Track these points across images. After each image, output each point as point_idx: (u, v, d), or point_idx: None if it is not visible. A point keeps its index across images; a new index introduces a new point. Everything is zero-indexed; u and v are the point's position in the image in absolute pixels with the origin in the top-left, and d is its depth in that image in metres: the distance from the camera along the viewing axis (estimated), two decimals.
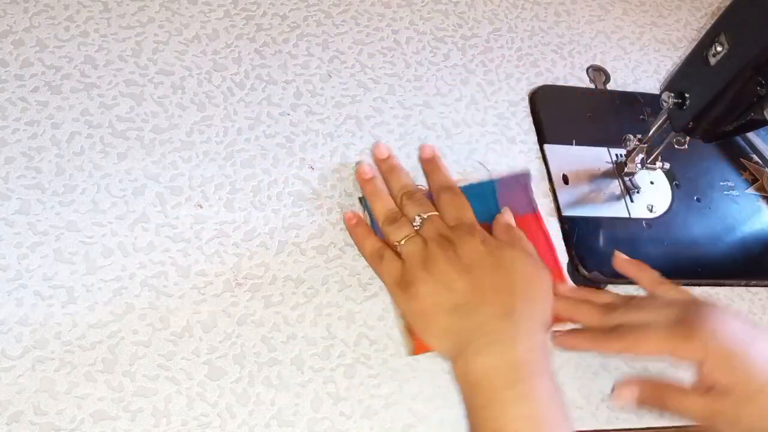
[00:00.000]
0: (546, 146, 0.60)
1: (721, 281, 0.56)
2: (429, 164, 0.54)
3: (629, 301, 0.49)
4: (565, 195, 0.57)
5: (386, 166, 0.53)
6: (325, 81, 0.59)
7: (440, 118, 0.60)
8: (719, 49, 0.46)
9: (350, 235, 0.51)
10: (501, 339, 0.43)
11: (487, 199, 0.53)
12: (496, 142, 0.60)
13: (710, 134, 0.51)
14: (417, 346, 0.47)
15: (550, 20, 0.69)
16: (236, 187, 0.52)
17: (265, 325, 0.47)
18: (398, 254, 0.48)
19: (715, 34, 0.46)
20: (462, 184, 0.53)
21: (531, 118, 0.62)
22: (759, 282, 0.57)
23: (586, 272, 0.53)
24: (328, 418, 0.45)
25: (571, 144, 0.60)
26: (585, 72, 0.67)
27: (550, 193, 0.58)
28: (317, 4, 0.63)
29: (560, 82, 0.65)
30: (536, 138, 0.61)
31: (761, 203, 0.61)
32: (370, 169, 0.53)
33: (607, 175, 0.59)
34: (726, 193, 0.61)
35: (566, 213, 0.56)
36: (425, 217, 0.49)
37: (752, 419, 0.43)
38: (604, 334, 0.47)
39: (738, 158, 0.64)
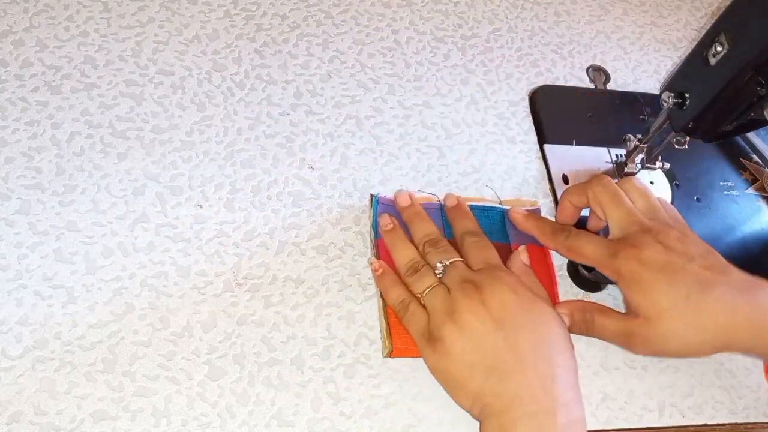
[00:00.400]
0: (546, 146, 0.60)
1: None
2: (454, 212, 0.52)
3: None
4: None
5: (408, 214, 0.52)
6: (325, 81, 0.59)
7: (440, 118, 0.60)
8: (719, 49, 0.46)
9: (376, 284, 0.49)
10: (540, 410, 0.41)
11: (495, 223, 0.53)
12: (496, 142, 0.60)
13: (710, 134, 0.51)
14: (396, 350, 0.46)
15: (550, 20, 0.69)
16: (236, 187, 0.52)
17: (265, 325, 0.47)
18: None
19: (715, 34, 0.46)
20: (473, 203, 0.53)
21: (531, 118, 0.62)
22: None
23: (586, 272, 0.53)
24: (328, 418, 0.45)
25: (571, 144, 0.60)
26: (585, 72, 0.67)
27: (550, 193, 0.58)
28: (317, 4, 0.63)
29: (560, 82, 0.65)
30: (536, 138, 0.61)
31: (761, 203, 0.61)
32: (390, 219, 0.51)
33: (607, 175, 0.59)
34: (726, 193, 0.61)
35: None
36: (448, 263, 0.47)
37: (658, 340, 0.44)
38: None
39: (738, 158, 0.64)
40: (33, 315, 0.45)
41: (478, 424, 0.43)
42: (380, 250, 0.50)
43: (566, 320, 0.47)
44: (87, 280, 0.46)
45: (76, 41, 0.55)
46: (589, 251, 0.47)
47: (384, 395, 0.47)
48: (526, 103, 0.63)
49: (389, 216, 0.51)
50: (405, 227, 0.51)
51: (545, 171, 0.59)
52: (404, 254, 0.49)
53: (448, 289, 0.46)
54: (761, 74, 0.44)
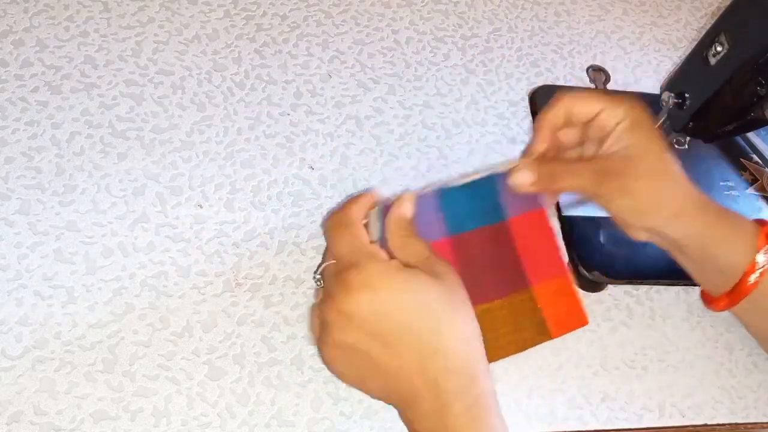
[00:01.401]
0: None
1: None
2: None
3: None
4: (565, 195, 0.57)
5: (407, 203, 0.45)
6: (325, 81, 0.59)
7: (440, 118, 0.60)
8: (719, 49, 0.46)
9: None
10: (434, 409, 0.38)
11: (488, 197, 0.48)
12: (496, 142, 0.60)
13: (710, 134, 0.51)
14: None
15: (550, 20, 0.69)
16: (236, 187, 0.52)
17: (265, 325, 0.47)
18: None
19: (715, 34, 0.46)
20: (460, 182, 0.51)
21: (531, 118, 0.62)
22: None
23: (586, 272, 0.53)
24: (328, 418, 0.45)
25: None
26: (585, 72, 0.67)
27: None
28: (317, 4, 0.63)
29: (560, 82, 0.65)
30: None
31: (761, 203, 0.61)
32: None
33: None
34: (726, 193, 0.61)
35: (566, 213, 0.56)
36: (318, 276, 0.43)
37: (634, 178, 0.44)
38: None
39: (738, 158, 0.63)
40: (33, 315, 0.45)
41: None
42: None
43: (529, 175, 0.44)
44: (87, 280, 0.46)
45: (76, 41, 0.55)
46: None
47: None
48: (526, 103, 0.63)
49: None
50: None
51: None
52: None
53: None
54: (761, 74, 0.45)
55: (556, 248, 0.50)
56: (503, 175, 0.48)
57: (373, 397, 0.41)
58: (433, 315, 0.39)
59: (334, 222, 0.43)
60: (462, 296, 0.41)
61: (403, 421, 0.40)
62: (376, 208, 0.46)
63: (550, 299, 0.47)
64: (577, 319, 0.48)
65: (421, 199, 0.48)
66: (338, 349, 0.39)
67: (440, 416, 0.38)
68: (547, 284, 0.47)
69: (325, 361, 0.41)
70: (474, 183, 0.48)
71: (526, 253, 0.49)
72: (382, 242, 0.44)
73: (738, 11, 0.45)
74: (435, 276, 0.40)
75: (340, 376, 0.41)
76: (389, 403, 0.41)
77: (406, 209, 0.44)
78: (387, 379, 0.39)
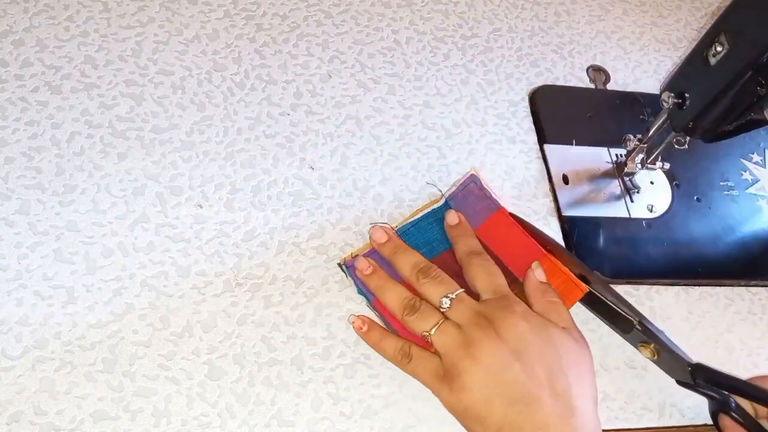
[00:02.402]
0: (546, 146, 0.60)
1: (721, 281, 0.57)
2: (456, 230, 0.50)
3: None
4: (565, 195, 0.57)
5: (388, 250, 0.49)
6: (325, 81, 0.59)
7: (440, 118, 0.60)
8: (719, 49, 0.46)
9: (365, 340, 0.47)
10: None
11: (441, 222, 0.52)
12: (496, 142, 0.60)
13: (710, 134, 0.51)
14: None
15: (550, 20, 0.69)
16: (236, 187, 0.52)
17: (265, 325, 0.47)
18: (426, 344, 0.45)
19: (715, 34, 0.46)
20: (417, 216, 0.52)
21: (531, 118, 0.62)
22: (759, 282, 0.57)
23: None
24: (328, 418, 0.45)
25: (571, 144, 0.60)
26: (585, 72, 0.67)
27: (550, 193, 0.58)
28: (317, 4, 0.63)
29: (560, 82, 0.65)
30: (536, 138, 0.61)
31: (761, 203, 0.61)
32: (368, 264, 0.48)
33: (607, 175, 0.59)
34: (726, 193, 0.61)
35: (566, 213, 0.56)
36: (453, 297, 0.45)
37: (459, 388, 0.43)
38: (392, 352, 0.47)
39: (738, 158, 0.64)
40: (33, 315, 0.45)
41: None
42: (381, 312, 0.48)
43: (361, 329, 0.47)
44: (87, 280, 0.46)
45: (76, 41, 0.55)
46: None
47: (384, 395, 0.47)
48: (526, 103, 0.63)
49: (366, 259, 0.48)
50: (388, 265, 0.49)
51: (545, 171, 0.59)
52: (395, 294, 0.47)
53: (457, 324, 0.44)
54: (761, 74, 0.44)
55: (527, 237, 0.51)
56: (454, 197, 0.52)
57: (477, 426, 0.42)
58: (571, 372, 0.43)
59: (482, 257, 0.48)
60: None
61: None
62: (344, 267, 0.50)
63: None
64: (573, 291, 0.49)
65: (423, 220, 0.50)
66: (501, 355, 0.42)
67: None
68: None
69: (466, 373, 0.42)
70: (426, 215, 0.51)
71: (504, 253, 0.51)
72: (368, 297, 0.48)
73: (738, 11, 0.45)
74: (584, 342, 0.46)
75: (472, 395, 0.42)
76: None
77: (541, 275, 0.48)
78: (523, 404, 0.41)
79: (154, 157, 0.52)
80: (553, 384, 0.42)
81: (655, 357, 0.48)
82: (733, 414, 0.45)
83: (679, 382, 0.48)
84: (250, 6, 0.61)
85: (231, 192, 0.52)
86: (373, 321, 0.48)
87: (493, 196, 0.52)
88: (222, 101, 0.56)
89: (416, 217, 0.52)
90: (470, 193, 0.53)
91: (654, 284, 0.56)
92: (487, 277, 0.47)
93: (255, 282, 0.49)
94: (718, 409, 0.47)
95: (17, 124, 0.51)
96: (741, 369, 0.54)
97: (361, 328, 0.47)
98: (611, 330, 0.53)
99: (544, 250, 0.50)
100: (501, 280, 0.47)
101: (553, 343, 0.44)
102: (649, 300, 0.55)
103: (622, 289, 0.55)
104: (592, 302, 0.51)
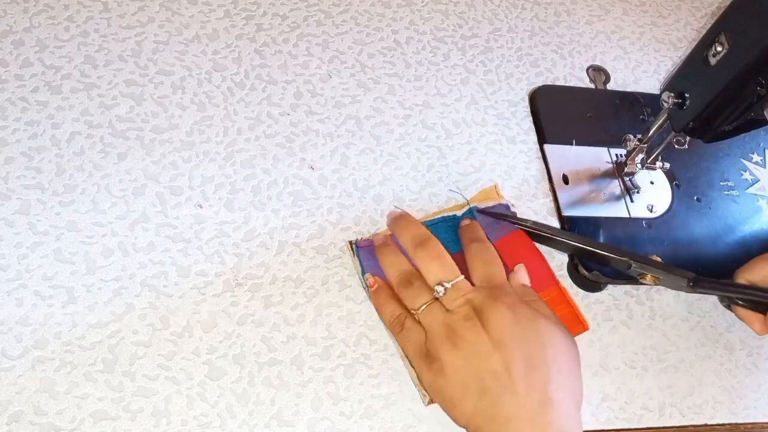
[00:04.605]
0: (546, 146, 0.60)
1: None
2: (465, 228, 0.51)
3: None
4: (565, 195, 0.57)
5: (392, 219, 0.51)
6: (325, 81, 0.59)
7: (440, 118, 0.60)
8: (719, 49, 0.46)
9: (371, 300, 0.48)
10: None
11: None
12: (496, 142, 0.60)
13: (710, 134, 0.51)
14: None
15: (550, 20, 0.69)
16: (236, 187, 0.52)
17: (265, 325, 0.47)
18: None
19: (715, 34, 0.46)
20: (437, 216, 0.52)
21: (531, 118, 0.62)
22: None
23: (586, 272, 0.53)
24: (328, 418, 0.45)
25: (571, 144, 0.60)
26: (585, 72, 0.67)
27: (550, 193, 0.58)
28: (317, 4, 0.63)
29: (560, 82, 0.65)
30: (536, 138, 0.61)
31: (761, 203, 0.61)
32: (383, 237, 0.50)
33: (607, 175, 0.59)
34: (726, 193, 0.61)
35: (566, 213, 0.56)
36: (449, 286, 0.45)
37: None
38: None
39: (738, 158, 0.64)
40: (33, 315, 0.45)
41: None
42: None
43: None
44: (87, 280, 0.46)
45: (76, 41, 0.55)
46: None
47: (384, 395, 0.47)
48: (526, 103, 0.63)
49: (383, 234, 0.50)
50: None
51: (545, 171, 0.59)
52: (396, 265, 0.48)
53: (445, 308, 0.45)
54: (761, 74, 0.44)
55: (544, 261, 0.51)
56: (478, 209, 0.53)
57: (452, 417, 0.43)
58: (553, 367, 0.43)
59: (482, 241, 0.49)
60: None
61: None
62: (353, 245, 0.50)
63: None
64: (576, 326, 0.48)
65: (439, 224, 0.51)
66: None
67: None
68: (542, 296, 0.48)
69: (445, 357, 0.43)
70: (445, 219, 0.52)
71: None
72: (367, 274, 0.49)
73: (738, 11, 0.45)
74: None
75: (448, 379, 0.43)
76: (468, 428, 0.43)
77: (523, 276, 0.49)
78: (495, 394, 0.41)
79: (154, 157, 0.52)
80: (530, 376, 0.42)
81: (657, 282, 0.49)
82: (740, 303, 0.51)
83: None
84: (250, 6, 0.61)
85: (231, 192, 0.52)
86: (385, 283, 0.48)
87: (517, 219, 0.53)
88: (222, 101, 0.56)
89: (436, 216, 0.52)
90: (497, 210, 0.53)
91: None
92: (482, 265, 0.47)
93: (255, 282, 0.49)
94: (729, 302, 0.54)
95: (17, 124, 0.51)
96: (742, 369, 0.54)
97: (373, 286, 0.48)
98: (611, 330, 0.53)
99: (556, 277, 0.51)
100: (496, 269, 0.47)
101: (539, 335, 0.44)
102: (649, 300, 0.55)
103: (622, 289, 0.55)
104: (588, 256, 0.52)
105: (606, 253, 0.50)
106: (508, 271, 0.49)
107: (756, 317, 0.51)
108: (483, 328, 0.43)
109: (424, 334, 0.45)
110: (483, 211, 0.53)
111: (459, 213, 0.53)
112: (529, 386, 0.41)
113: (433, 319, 0.45)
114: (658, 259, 0.49)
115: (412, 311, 0.46)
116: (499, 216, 0.52)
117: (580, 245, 0.51)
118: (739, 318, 0.53)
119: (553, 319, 0.46)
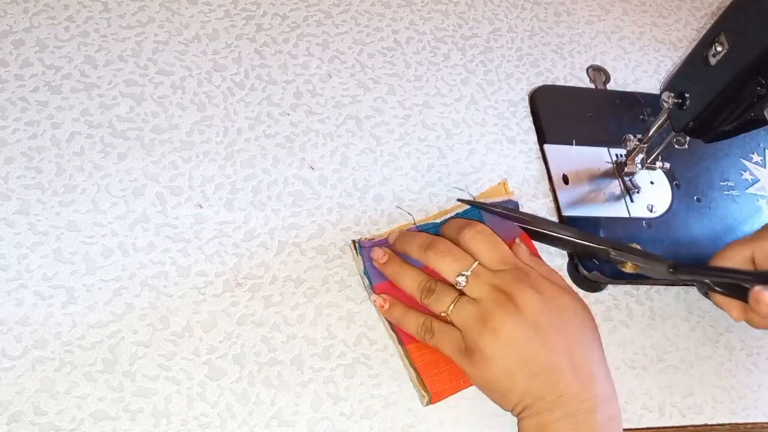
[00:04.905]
0: (546, 146, 0.60)
1: None
2: (444, 227, 0.51)
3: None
4: (565, 195, 0.57)
5: (394, 237, 0.50)
6: (325, 81, 0.59)
7: (440, 118, 0.60)
8: (719, 49, 0.46)
9: (387, 318, 0.48)
10: (581, 409, 0.42)
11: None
12: (496, 142, 0.60)
13: (710, 134, 0.51)
14: (434, 395, 0.46)
15: (550, 20, 0.69)
16: (236, 187, 0.52)
17: (265, 325, 0.47)
18: (446, 320, 0.46)
19: (715, 34, 0.46)
20: (442, 218, 0.52)
21: (531, 118, 0.62)
22: None
23: (586, 272, 0.53)
24: (328, 418, 0.45)
25: (571, 144, 0.60)
26: (585, 72, 0.67)
27: (550, 193, 0.58)
28: (317, 4, 0.63)
29: (560, 82, 0.65)
30: (536, 138, 0.61)
31: (761, 203, 0.61)
32: (383, 252, 0.49)
33: (607, 175, 0.59)
34: (726, 193, 0.61)
35: (566, 213, 0.56)
36: (468, 274, 0.46)
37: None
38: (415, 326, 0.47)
39: (738, 158, 0.64)
40: (33, 315, 0.45)
41: (516, 422, 0.45)
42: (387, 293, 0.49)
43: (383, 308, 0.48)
44: (87, 280, 0.46)
45: (76, 41, 0.55)
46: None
47: (384, 395, 0.47)
48: (526, 103, 0.63)
49: (381, 248, 0.49)
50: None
51: (545, 171, 0.59)
52: (412, 278, 0.47)
53: (473, 300, 0.45)
54: (761, 74, 0.44)
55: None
56: (475, 210, 0.53)
57: (501, 405, 0.45)
58: (587, 341, 0.45)
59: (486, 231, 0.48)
60: None
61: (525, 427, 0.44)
62: (356, 245, 0.50)
63: None
64: None
65: (423, 229, 0.50)
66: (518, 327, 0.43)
67: (587, 417, 0.42)
68: None
69: (487, 348, 0.43)
70: (456, 215, 0.51)
71: None
72: (371, 279, 0.49)
73: (738, 11, 0.45)
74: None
75: (494, 369, 0.43)
76: (514, 410, 0.44)
77: (525, 249, 0.50)
78: (545, 375, 0.43)
79: (154, 157, 0.52)
80: (572, 354, 0.44)
81: (637, 269, 0.49)
82: (717, 289, 0.50)
83: (666, 281, 0.51)
84: (250, 6, 0.61)
85: (231, 192, 0.52)
86: (394, 299, 0.48)
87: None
88: (222, 101, 0.56)
89: (441, 218, 0.52)
90: (505, 205, 0.53)
91: (654, 284, 0.56)
92: (492, 249, 0.47)
93: (255, 282, 0.49)
94: (707, 289, 0.52)
95: (17, 124, 0.51)
96: (741, 369, 0.54)
97: (383, 306, 0.48)
98: (611, 330, 0.53)
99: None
100: (506, 249, 0.47)
101: (567, 312, 0.45)
102: (649, 300, 0.55)
103: (622, 289, 0.55)
104: (568, 245, 0.53)
105: (583, 242, 0.50)
106: None
107: (734, 303, 0.51)
108: (517, 312, 0.44)
109: (458, 332, 0.45)
110: (486, 207, 0.52)
111: (461, 211, 0.53)
112: (573, 364, 0.43)
113: (465, 314, 0.45)
114: (638, 247, 0.50)
115: (442, 314, 0.46)
116: (501, 212, 0.52)
117: (563, 236, 0.51)
118: (717, 305, 0.53)
119: (568, 289, 0.47)
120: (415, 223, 0.52)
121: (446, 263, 0.47)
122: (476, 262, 0.46)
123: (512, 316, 0.43)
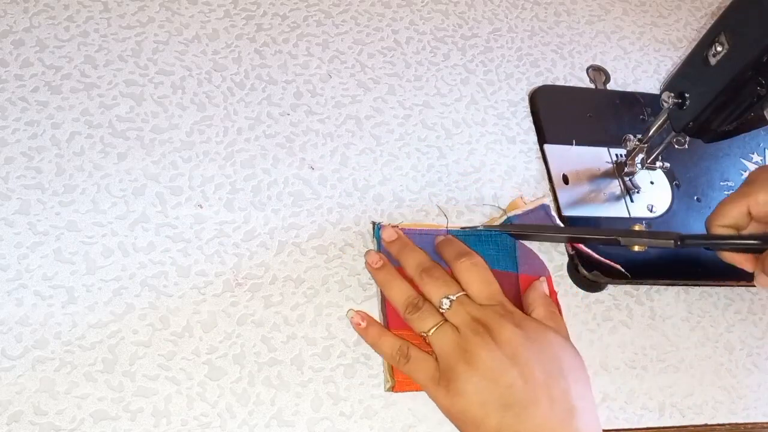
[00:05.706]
0: (546, 146, 0.60)
1: (721, 281, 0.56)
2: (442, 243, 0.50)
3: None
4: (565, 195, 0.57)
5: (396, 247, 0.50)
6: (325, 81, 0.59)
7: (440, 118, 0.60)
8: (719, 49, 0.46)
9: (362, 337, 0.47)
10: None
11: (505, 249, 0.52)
12: (496, 142, 0.60)
13: (710, 134, 0.51)
14: (398, 383, 0.46)
15: (550, 20, 0.69)
16: (236, 187, 0.52)
17: (265, 325, 0.47)
18: (424, 344, 0.46)
19: (715, 34, 0.46)
20: (480, 229, 0.52)
21: (531, 118, 0.62)
22: None
23: (586, 272, 0.53)
24: (328, 418, 0.45)
25: (571, 144, 0.60)
26: (585, 72, 0.67)
27: (550, 193, 0.58)
28: (317, 4, 0.63)
29: (560, 82, 0.65)
30: (536, 138, 0.61)
31: None
32: (378, 257, 0.49)
33: (607, 175, 0.59)
34: (726, 193, 0.61)
35: (566, 213, 0.56)
36: (454, 299, 0.45)
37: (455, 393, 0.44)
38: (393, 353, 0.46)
39: (738, 158, 0.64)
40: (33, 315, 0.45)
41: None
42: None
43: (360, 325, 0.47)
44: (87, 280, 0.46)
45: (76, 41, 0.55)
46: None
47: (384, 395, 0.47)
48: (526, 103, 0.63)
49: (377, 253, 0.49)
50: (395, 263, 0.49)
51: (545, 171, 0.59)
52: (400, 291, 0.47)
53: (455, 327, 0.45)
54: (761, 74, 0.44)
55: (559, 311, 0.51)
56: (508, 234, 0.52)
57: (473, 430, 0.43)
58: (570, 376, 0.43)
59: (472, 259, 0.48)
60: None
61: None
62: (376, 226, 0.51)
63: None
64: None
65: (422, 236, 0.50)
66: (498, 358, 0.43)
67: None
68: None
69: (462, 377, 0.43)
70: (491, 234, 0.52)
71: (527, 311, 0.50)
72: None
73: (738, 11, 0.45)
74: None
75: (468, 400, 0.42)
76: None
77: (546, 287, 0.50)
78: (519, 408, 0.41)
79: (154, 157, 0.52)
80: (550, 387, 0.42)
81: (646, 249, 0.49)
82: (725, 248, 0.51)
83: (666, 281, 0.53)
84: (250, 6, 0.61)
85: (231, 192, 0.52)
86: (372, 318, 0.48)
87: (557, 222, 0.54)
88: (222, 101, 0.56)
89: (475, 229, 0.52)
90: (536, 218, 0.53)
91: (654, 284, 0.56)
92: (482, 284, 0.47)
93: (255, 282, 0.49)
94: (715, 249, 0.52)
95: (17, 124, 0.51)
96: (742, 369, 0.54)
97: (360, 324, 0.47)
98: (611, 330, 0.53)
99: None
100: (496, 288, 0.47)
101: (551, 347, 0.44)
102: (649, 300, 0.55)
103: (622, 289, 0.55)
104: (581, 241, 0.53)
105: (595, 237, 0.51)
106: (518, 306, 0.48)
107: (745, 258, 0.50)
108: (495, 344, 0.43)
109: (433, 360, 0.45)
110: (517, 234, 0.52)
111: (497, 223, 0.53)
112: (551, 397, 0.42)
113: (445, 339, 0.44)
114: (643, 228, 0.50)
115: (422, 334, 0.45)
116: (515, 233, 0.52)
117: (572, 236, 0.52)
118: (728, 262, 0.51)
119: (562, 332, 0.46)
120: (447, 227, 0.52)
121: (436, 286, 0.46)
122: (461, 291, 0.46)
123: (489, 347, 0.43)
